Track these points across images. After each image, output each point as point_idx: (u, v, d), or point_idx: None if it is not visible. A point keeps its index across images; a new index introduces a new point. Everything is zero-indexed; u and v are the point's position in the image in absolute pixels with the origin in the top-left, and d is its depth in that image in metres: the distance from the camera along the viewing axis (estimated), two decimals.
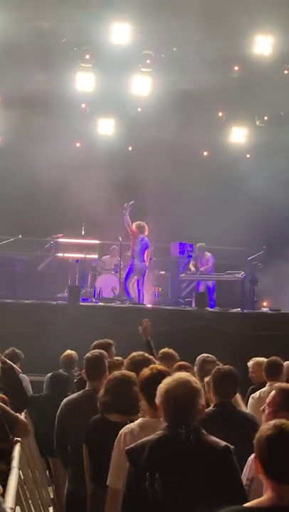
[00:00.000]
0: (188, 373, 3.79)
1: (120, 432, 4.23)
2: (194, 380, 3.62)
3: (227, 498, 3.08)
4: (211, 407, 4.95)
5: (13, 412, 5.05)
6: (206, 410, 4.61)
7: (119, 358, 6.09)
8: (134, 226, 14.52)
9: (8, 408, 5.06)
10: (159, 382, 3.64)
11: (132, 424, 4.26)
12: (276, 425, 2.84)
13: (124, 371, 4.98)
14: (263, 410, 3.93)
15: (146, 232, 14.58)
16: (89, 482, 4.89)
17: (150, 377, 4.12)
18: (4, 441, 4.77)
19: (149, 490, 3.34)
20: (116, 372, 4.96)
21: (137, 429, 4.15)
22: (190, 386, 3.51)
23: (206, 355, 6.64)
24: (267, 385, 6.62)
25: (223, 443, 3.44)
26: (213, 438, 3.47)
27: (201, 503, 3.23)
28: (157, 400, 3.56)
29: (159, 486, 3.32)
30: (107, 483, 4.19)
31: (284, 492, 2.75)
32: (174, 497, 3.31)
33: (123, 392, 4.67)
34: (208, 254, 15.88)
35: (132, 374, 4.79)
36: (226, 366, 5.26)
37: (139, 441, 3.59)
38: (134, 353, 5.43)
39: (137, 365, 5.07)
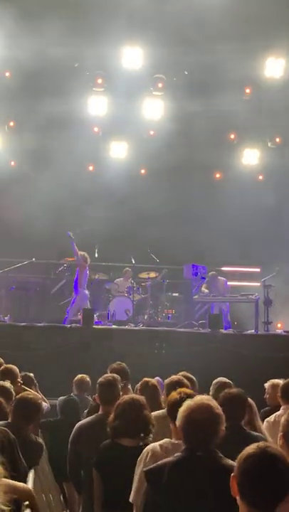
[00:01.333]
0: (210, 397, 3.78)
1: (144, 450, 4.27)
2: (216, 405, 3.63)
3: None
4: None
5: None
6: None
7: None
8: (81, 257, 14.40)
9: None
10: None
11: (156, 443, 4.29)
12: (259, 447, 2.67)
13: (133, 395, 4.97)
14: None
15: None
16: (99, 509, 4.84)
17: (178, 401, 4.13)
18: (18, 471, 4.74)
19: (165, 510, 3.35)
20: (125, 397, 4.95)
21: (158, 449, 4.17)
22: (211, 411, 3.52)
23: (223, 379, 6.58)
24: (281, 408, 6.55)
25: None
26: (230, 462, 3.44)
27: None
28: (178, 422, 3.58)
29: (176, 507, 3.34)
30: (130, 500, 4.18)
31: None
32: None
33: (133, 416, 4.66)
34: (222, 279, 15.83)
35: (141, 398, 4.79)
36: (235, 389, 5.24)
37: (159, 462, 3.62)
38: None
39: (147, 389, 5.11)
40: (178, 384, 5.27)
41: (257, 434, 5.18)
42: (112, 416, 4.85)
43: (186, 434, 3.51)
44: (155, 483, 3.45)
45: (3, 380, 6.78)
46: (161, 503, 3.39)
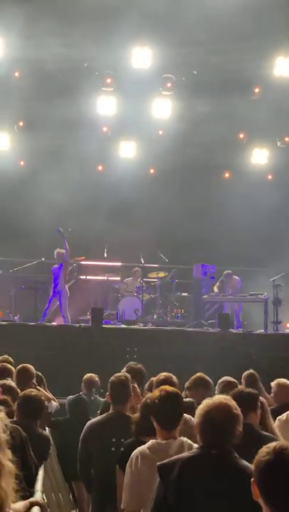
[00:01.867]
0: (228, 397, 3.78)
1: (132, 455, 4.27)
2: (235, 405, 3.63)
3: None
4: None
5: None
6: None
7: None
8: (66, 254, 14.33)
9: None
10: (169, 404, 3.76)
11: (142, 446, 4.29)
12: (276, 450, 2.67)
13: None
14: None
15: None
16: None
17: (161, 399, 4.18)
18: (29, 468, 4.75)
19: (176, 507, 3.36)
20: (150, 395, 4.96)
21: (147, 451, 4.19)
22: (230, 411, 3.53)
23: (228, 378, 6.58)
24: None
25: None
26: (245, 462, 3.46)
27: None
28: (196, 419, 3.58)
29: (187, 503, 3.34)
30: (122, 507, 4.18)
31: None
32: None
33: None
34: (236, 278, 15.82)
35: None
36: (248, 389, 5.24)
37: (171, 458, 3.61)
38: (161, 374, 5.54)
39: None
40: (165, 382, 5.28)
41: (269, 434, 5.17)
42: (137, 415, 4.85)
43: (204, 433, 3.50)
44: (166, 478, 3.45)
45: (20, 380, 6.84)
46: (171, 498, 3.39)
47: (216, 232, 17.04)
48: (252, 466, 3.30)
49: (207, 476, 3.39)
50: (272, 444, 2.71)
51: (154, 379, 6.15)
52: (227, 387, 6.27)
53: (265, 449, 2.70)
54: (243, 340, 12.90)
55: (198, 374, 6.70)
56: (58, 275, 14.16)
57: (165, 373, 5.72)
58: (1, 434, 2.62)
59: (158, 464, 3.61)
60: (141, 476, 4.14)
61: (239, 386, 6.00)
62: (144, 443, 4.59)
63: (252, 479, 2.71)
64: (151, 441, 4.27)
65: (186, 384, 6.51)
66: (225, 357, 11.81)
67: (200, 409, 3.57)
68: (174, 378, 5.65)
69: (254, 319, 15.22)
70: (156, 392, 4.37)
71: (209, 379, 6.55)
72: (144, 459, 4.15)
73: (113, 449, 5.21)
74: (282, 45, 16.15)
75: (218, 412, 3.51)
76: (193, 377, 6.61)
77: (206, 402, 3.59)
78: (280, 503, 2.63)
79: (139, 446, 4.56)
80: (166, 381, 5.50)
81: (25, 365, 7.32)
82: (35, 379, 7.32)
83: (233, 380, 6.52)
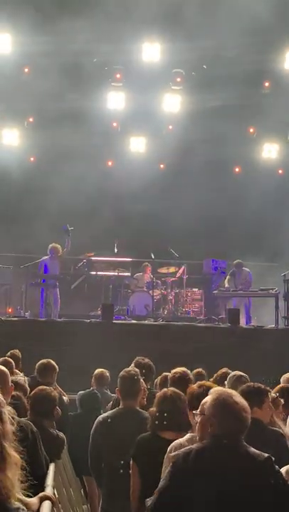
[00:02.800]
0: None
1: (170, 447, 4.30)
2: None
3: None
4: None
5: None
6: None
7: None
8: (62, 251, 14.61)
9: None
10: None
11: (180, 439, 4.32)
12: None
13: (174, 389, 4.96)
14: None
15: None
16: (135, 501, 4.83)
17: (201, 393, 4.19)
18: (39, 463, 4.76)
19: (188, 495, 3.38)
20: (166, 390, 4.95)
21: (186, 444, 4.17)
22: (243, 402, 3.56)
23: (239, 373, 6.56)
24: None
25: (266, 454, 3.47)
26: (256, 450, 3.51)
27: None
28: (208, 410, 3.58)
29: (201, 492, 3.35)
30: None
31: None
32: (213, 504, 3.33)
33: (176, 409, 4.68)
34: (247, 271, 15.68)
35: (181, 392, 4.81)
36: (256, 383, 5.22)
37: (184, 448, 3.63)
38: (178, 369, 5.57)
39: (178, 382, 5.20)
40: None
41: (275, 429, 5.16)
42: (153, 409, 4.86)
43: (218, 423, 3.51)
44: (180, 466, 3.48)
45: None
46: (185, 487, 3.41)
47: (226, 227, 17.00)
48: (264, 454, 3.44)
49: (221, 465, 3.41)
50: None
51: (168, 374, 6.14)
52: (238, 382, 6.26)
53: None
54: (254, 335, 12.87)
55: (223, 370, 6.73)
56: (47, 268, 14.32)
57: (180, 369, 5.72)
58: (8, 425, 2.62)
59: (171, 455, 3.62)
60: None
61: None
62: (161, 438, 4.60)
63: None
64: (189, 435, 4.32)
65: (212, 379, 6.54)
66: (235, 352, 11.79)
67: (213, 400, 3.57)
68: (190, 374, 5.65)
69: (265, 314, 15.17)
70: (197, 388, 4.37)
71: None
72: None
73: (123, 443, 5.20)
74: None
75: (235, 402, 3.53)
76: (219, 372, 6.66)
77: (218, 392, 3.61)
78: None
79: (157, 440, 4.55)
80: (183, 378, 5.53)
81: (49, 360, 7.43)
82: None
83: (243, 374, 6.50)
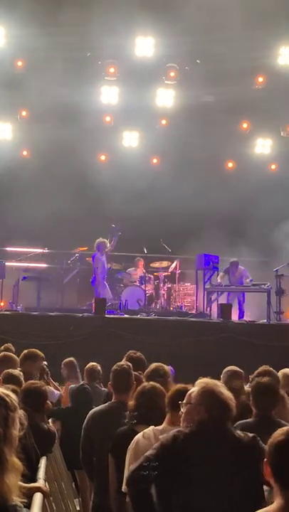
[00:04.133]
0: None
1: (134, 439, 4.38)
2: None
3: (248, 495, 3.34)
4: (251, 419, 5.04)
5: None
6: (246, 421, 4.92)
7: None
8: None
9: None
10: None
11: (145, 430, 4.38)
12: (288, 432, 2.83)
13: (154, 383, 4.98)
14: None
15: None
16: (114, 493, 4.88)
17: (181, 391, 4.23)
18: (29, 458, 4.76)
19: (173, 474, 3.51)
20: (145, 384, 4.97)
21: (149, 433, 4.30)
22: (228, 392, 3.73)
23: (234, 368, 6.57)
24: None
25: (251, 434, 3.65)
26: (241, 433, 3.69)
27: (227, 494, 3.44)
28: (195, 399, 3.68)
29: (189, 472, 3.48)
30: (123, 489, 4.23)
31: None
32: (201, 486, 3.44)
33: (153, 404, 4.70)
34: (242, 268, 15.67)
35: (160, 386, 4.83)
36: (266, 379, 5.23)
37: (170, 432, 3.71)
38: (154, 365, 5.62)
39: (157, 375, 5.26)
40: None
41: (285, 423, 5.19)
42: (132, 403, 4.89)
43: (205, 409, 3.62)
44: (166, 446, 3.60)
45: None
46: (168, 464, 3.54)
47: (219, 221, 17.00)
48: (250, 434, 3.61)
49: (208, 448, 3.54)
50: (286, 428, 2.88)
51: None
52: (233, 377, 6.29)
53: (279, 431, 2.87)
54: (246, 330, 12.91)
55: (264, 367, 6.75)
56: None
57: (155, 364, 5.74)
58: (12, 431, 2.58)
59: (161, 437, 3.70)
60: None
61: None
62: (136, 432, 4.64)
63: (264, 459, 2.84)
64: (149, 428, 4.38)
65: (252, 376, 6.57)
66: (227, 347, 11.83)
67: (202, 388, 3.71)
68: (166, 368, 5.67)
69: (257, 309, 15.21)
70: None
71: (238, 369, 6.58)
72: (145, 440, 4.32)
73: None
74: (286, 34, 16.09)
75: (220, 390, 3.69)
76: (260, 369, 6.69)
77: (205, 381, 3.76)
78: None
79: (132, 435, 4.60)
80: (157, 371, 5.55)
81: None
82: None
83: (238, 369, 6.52)
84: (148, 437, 4.31)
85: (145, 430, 4.39)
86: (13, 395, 2.66)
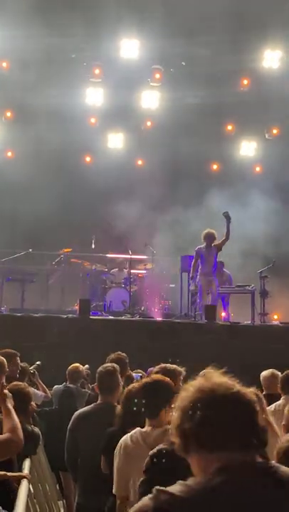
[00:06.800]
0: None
1: (120, 442, 4.34)
2: None
3: None
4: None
5: None
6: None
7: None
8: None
9: None
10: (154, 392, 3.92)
11: (127, 435, 4.35)
12: None
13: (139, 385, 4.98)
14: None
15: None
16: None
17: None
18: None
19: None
20: (132, 386, 4.98)
21: (136, 435, 4.25)
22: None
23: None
24: (282, 398, 6.58)
25: None
26: None
27: None
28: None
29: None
30: (114, 492, 4.24)
31: None
32: None
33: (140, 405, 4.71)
34: (227, 273, 15.64)
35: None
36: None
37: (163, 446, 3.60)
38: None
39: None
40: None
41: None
42: (121, 404, 4.89)
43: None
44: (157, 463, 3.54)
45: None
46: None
47: (203, 224, 17.02)
48: None
49: None
50: None
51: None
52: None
53: (286, 438, 2.93)
54: (230, 332, 12.94)
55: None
56: (203, 258, 13.84)
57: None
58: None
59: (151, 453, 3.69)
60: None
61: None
62: (126, 433, 4.64)
63: None
64: (135, 430, 4.34)
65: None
66: (212, 348, 11.85)
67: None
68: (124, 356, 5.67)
69: (241, 311, 15.26)
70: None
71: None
72: (125, 448, 4.29)
73: (100, 439, 5.23)
74: (270, 37, 16.18)
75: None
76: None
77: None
78: None
79: (121, 435, 4.60)
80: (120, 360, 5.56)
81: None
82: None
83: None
84: (136, 441, 4.25)
85: (131, 433, 4.34)
86: None
